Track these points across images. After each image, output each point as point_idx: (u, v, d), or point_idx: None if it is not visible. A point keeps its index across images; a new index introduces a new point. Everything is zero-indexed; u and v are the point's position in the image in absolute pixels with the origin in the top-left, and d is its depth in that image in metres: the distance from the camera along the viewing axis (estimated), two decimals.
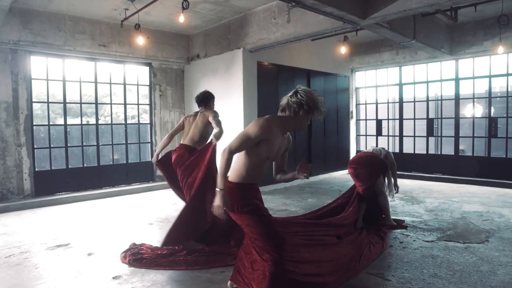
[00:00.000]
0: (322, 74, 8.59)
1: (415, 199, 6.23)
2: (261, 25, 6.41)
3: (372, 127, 9.51)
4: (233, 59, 7.00)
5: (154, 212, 5.69)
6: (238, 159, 2.54)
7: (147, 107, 8.02)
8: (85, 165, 7.07)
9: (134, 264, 3.46)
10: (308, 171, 2.51)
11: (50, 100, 6.68)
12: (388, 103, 9.11)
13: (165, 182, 7.85)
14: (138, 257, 3.57)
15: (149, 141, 7.97)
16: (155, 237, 4.36)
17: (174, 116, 8.19)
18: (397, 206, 5.72)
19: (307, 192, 7.02)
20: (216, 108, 7.59)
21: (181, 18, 5.42)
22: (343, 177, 8.74)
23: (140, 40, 6.05)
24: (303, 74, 8.09)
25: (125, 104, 7.59)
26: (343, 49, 7.26)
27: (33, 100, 6.47)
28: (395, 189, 4.68)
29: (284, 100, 2.52)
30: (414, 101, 8.66)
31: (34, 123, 6.54)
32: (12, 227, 4.96)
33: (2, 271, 3.39)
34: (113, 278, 3.18)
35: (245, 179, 2.51)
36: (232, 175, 2.55)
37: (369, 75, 9.48)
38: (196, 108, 4.45)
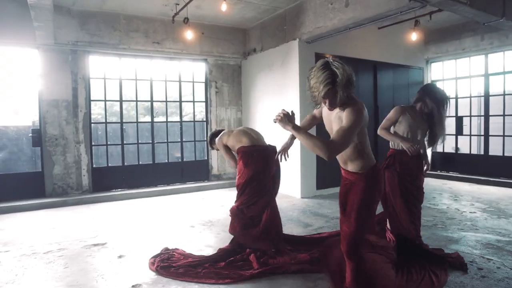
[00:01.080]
0: (391, 66, 7.67)
1: (503, 211, 5.13)
2: (317, 12, 5.82)
3: (451, 125, 8.28)
4: (289, 51, 6.50)
5: (199, 213, 5.44)
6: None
7: (203, 104, 7.88)
8: (140, 162, 7.11)
9: (161, 272, 3.16)
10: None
11: (107, 99, 6.83)
12: (470, 97, 7.83)
13: (220, 182, 7.74)
14: (166, 264, 3.26)
15: (205, 139, 7.82)
16: (193, 241, 4.06)
17: (230, 113, 7.94)
18: (478, 219, 4.73)
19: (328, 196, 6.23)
20: (269, 104, 7.24)
21: (223, 7, 5.09)
22: None
23: (189, 35, 5.85)
24: (368, 67, 7.28)
25: (180, 101, 7.52)
26: (414, 36, 6.32)
27: (91, 98, 6.65)
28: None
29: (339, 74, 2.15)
30: (504, 94, 7.30)
31: (92, 121, 6.74)
32: (62, 222, 5.06)
33: (32, 269, 3.33)
34: (132, 286, 2.91)
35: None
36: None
37: (448, 66, 8.26)
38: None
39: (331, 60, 2.20)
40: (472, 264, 3.21)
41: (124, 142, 6.94)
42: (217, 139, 3.93)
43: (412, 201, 3.43)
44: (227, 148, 3.86)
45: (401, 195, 3.38)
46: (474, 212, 5.08)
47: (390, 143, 3.65)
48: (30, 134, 6.19)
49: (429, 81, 8.54)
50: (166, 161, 7.42)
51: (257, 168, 3.55)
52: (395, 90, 7.76)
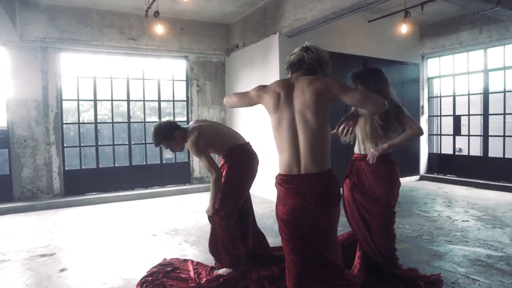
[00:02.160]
0: (383, 62, 7.19)
1: (499, 220, 4.66)
2: (297, 3, 5.41)
3: (448, 125, 7.80)
4: (269, 46, 6.10)
5: (169, 220, 5.06)
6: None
7: (184, 104, 7.52)
8: (116, 165, 6.77)
9: None
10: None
11: (80, 98, 6.50)
12: (469, 95, 7.33)
13: (202, 185, 7.34)
14: None
15: None
16: (148, 253, 3.69)
17: (213, 113, 7.56)
18: (470, 229, 4.27)
19: None
20: None
21: None
22: (409, 185, 7.25)
23: (160, 29, 5.49)
24: (358, 62, 6.83)
25: (159, 100, 7.17)
26: (404, 28, 5.85)
27: (63, 98, 6.33)
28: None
29: (292, 57, 2.15)
30: (504, 92, 6.79)
31: (64, 122, 6.42)
32: (21, 228, 4.73)
33: None
34: None
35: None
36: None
37: (445, 61, 7.77)
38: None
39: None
40: (454, 286, 2.77)
41: (99, 143, 6.61)
42: (193, 137, 2.95)
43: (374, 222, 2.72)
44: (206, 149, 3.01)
45: (358, 213, 2.77)
46: (467, 221, 4.61)
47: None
48: None
49: (425, 78, 8.05)
50: (144, 163, 7.07)
51: (246, 168, 3.08)
52: None
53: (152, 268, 3.18)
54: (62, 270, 3.30)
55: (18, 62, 5.86)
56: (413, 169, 7.85)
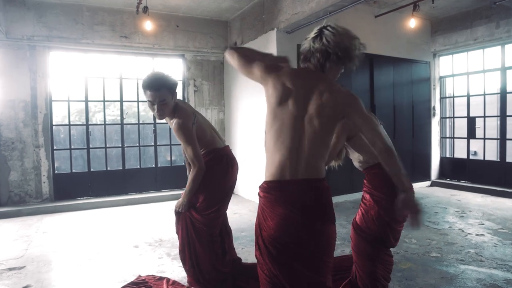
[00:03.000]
0: (391, 61, 6.75)
1: None
2: None
3: (462, 127, 7.29)
4: (267, 44, 5.73)
5: (156, 228, 4.73)
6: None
7: None
8: (108, 168, 6.48)
9: None
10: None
11: (70, 99, 6.23)
12: (484, 95, 6.80)
13: None
14: None
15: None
16: (125, 267, 3.36)
17: (211, 114, 7.21)
18: (485, 245, 3.81)
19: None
20: (248, 104, 6.48)
21: None
22: (419, 191, 6.77)
23: (149, 25, 5.20)
24: (363, 61, 6.39)
25: None
26: (413, 22, 5.41)
27: (53, 99, 6.07)
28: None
29: (305, 45, 1.78)
30: None
31: (54, 123, 6.16)
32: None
33: None
34: None
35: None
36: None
37: (458, 59, 7.25)
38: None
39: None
40: None
41: (90, 146, 6.33)
42: (186, 121, 2.46)
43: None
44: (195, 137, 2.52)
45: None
46: (482, 235, 4.15)
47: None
48: None
49: (437, 77, 7.55)
50: (138, 166, 6.76)
51: (227, 172, 2.72)
52: (396, 88, 6.84)
53: (123, 287, 2.86)
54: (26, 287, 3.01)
55: (4, 61, 5.62)
56: (423, 174, 7.35)
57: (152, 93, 2.40)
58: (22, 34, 5.59)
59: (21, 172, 5.79)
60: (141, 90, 6.46)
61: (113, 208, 5.99)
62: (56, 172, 6.13)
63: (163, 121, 2.63)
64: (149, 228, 4.75)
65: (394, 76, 6.80)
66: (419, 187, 7.10)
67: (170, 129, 7.08)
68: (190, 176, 2.55)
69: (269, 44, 5.66)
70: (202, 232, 2.62)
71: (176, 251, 3.82)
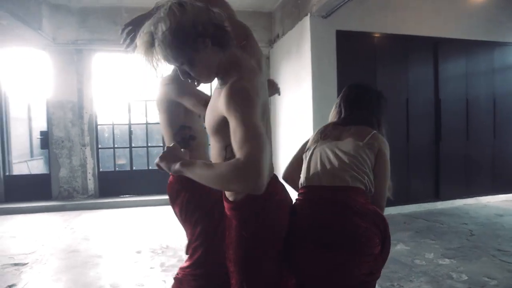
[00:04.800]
0: (463, 45, 5.50)
1: None
2: None
3: None
4: (302, 32, 5.10)
5: (172, 232, 4.52)
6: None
7: None
8: (150, 167, 6.52)
9: None
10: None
11: (114, 99, 6.41)
12: None
13: None
14: None
15: None
16: (102, 278, 3.16)
17: None
18: None
19: (412, 229, 4.41)
20: (287, 99, 5.88)
21: None
22: (498, 205, 5.42)
23: None
24: (425, 45, 5.32)
25: None
26: None
27: (97, 99, 6.31)
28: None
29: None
30: None
31: (98, 123, 6.40)
32: (31, 229, 4.73)
33: None
34: None
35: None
36: None
37: None
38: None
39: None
40: None
41: (133, 145, 6.44)
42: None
43: None
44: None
45: None
46: None
47: None
48: (38, 137, 6.13)
49: None
50: None
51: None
52: (470, 78, 5.56)
53: None
54: (10, 286, 2.99)
55: (55, 65, 6.01)
56: (507, 184, 5.84)
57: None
58: (67, 39, 5.90)
59: (69, 169, 6.13)
60: None
61: (151, 207, 5.99)
62: (100, 170, 6.37)
63: None
64: (165, 232, 4.55)
65: (467, 63, 5.54)
66: (499, 201, 5.68)
67: None
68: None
69: (303, 31, 5.02)
70: None
71: (174, 261, 3.55)
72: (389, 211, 5.08)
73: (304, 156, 1.71)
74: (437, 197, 5.41)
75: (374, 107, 1.74)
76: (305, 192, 1.58)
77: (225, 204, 1.37)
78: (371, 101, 1.75)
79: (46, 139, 6.10)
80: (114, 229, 4.77)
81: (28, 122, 8.75)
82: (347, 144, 1.59)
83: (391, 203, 5.12)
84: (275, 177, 1.38)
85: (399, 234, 4.17)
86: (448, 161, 5.42)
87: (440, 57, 5.37)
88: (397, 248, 3.69)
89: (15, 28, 5.03)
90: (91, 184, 6.23)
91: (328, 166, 1.55)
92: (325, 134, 1.70)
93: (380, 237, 1.46)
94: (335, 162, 1.54)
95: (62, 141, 6.11)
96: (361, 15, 4.88)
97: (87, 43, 5.98)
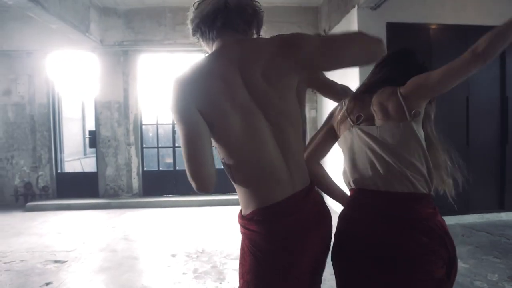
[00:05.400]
0: None
1: None
2: None
3: None
4: (349, 26, 4.75)
5: (212, 235, 4.41)
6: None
7: None
8: None
9: None
10: None
11: (158, 99, 6.48)
12: None
13: None
14: None
15: None
16: (132, 281, 3.11)
17: (307, 113, 6.53)
18: None
19: (472, 243, 3.91)
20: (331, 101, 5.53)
21: None
22: None
23: None
24: None
25: None
26: None
27: (142, 99, 6.41)
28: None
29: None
30: None
31: (143, 122, 6.50)
32: (76, 226, 4.89)
33: None
34: None
35: None
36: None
37: None
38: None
39: None
40: None
41: (176, 145, 6.46)
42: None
43: None
44: None
45: None
46: None
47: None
48: (87, 136, 6.35)
49: None
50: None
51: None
52: None
53: None
54: (47, 284, 3.04)
55: (103, 66, 6.19)
56: None
57: None
58: (113, 41, 6.05)
59: (115, 168, 6.29)
60: None
61: (194, 208, 5.95)
62: (145, 169, 6.46)
63: None
64: (204, 235, 4.46)
65: None
66: None
67: None
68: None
69: (350, 26, 4.68)
70: None
71: (208, 266, 3.42)
72: (445, 221, 4.59)
73: (328, 137, 1.47)
74: (502, 207, 4.79)
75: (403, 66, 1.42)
76: (356, 197, 1.34)
77: None
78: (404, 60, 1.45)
79: (94, 138, 6.30)
80: (153, 229, 4.77)
81: (82, 121, 9.23)
82: (389, 131, 1.27)
83: (447, 212, 4.66)
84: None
85: (456, 248, 3.70)
86: None
87: (507, 49, 4.72)
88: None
89: (64, 32, 5.21)
90: (135, 183, 6.34)
91: (379, 167, 1.26)
92: (354, 112, 1.39)
93: (445, 257, 1.20)
94: (386, 159, 1.25)
95: (109, 140, 6.28)
96: (414, 4, 4.44)
97: (132, 44, 6.09)
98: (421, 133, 1.27)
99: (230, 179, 1.14)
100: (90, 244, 4.16)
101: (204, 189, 1.08)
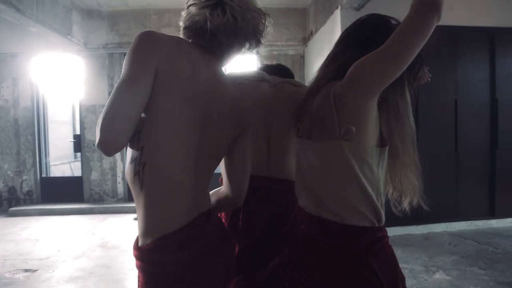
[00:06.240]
0: None
1: None
2: None
3: None
4: (333, 27, 4.63)
5: None
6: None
7: None
8: None
9: None
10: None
11: None
12: None
13: None
14: None
15: None
16: None
17: None
18: None
19: (458, 252, 3.76)
20: None
21: None
22: None
23: None
24: (478, 38, 4.59)
25: None
26: None
27: None
28: None
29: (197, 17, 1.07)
30: None
31: None
32: (55, 232, 4.78)
33: None
34: None
35: None
36: None
37: None
38: None
39: None
40: None
41: None
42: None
43: None
44: None
45: None
46: None
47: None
48: (72, 140, 6.26)
49: None
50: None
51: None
52: None
53: None
54: None
55: (88, 69, 6.10)
56: None
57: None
58: (98, 43, 5.95)
59: (100, 172, 6.19)
60: None
61: None
62: None
63: None
64: None
65: None
66: None
67: None
68: None
69: (335, 27, 4.56)
70: None
71: None
72: (432, 228, 4.46)
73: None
74: (492, 213, 4.65)
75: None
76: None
77: None
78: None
79: (79, 143, 6.21)
80: (134, 236, 4.64)
81: (72, 124, 9.15)
82: (312, 151, 1.08)
83: (435, 219, 4.52)
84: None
85: (440, 258, 3.57)
86: (507, 172, 4.63)
87: (497, 51, 4.61)
88: (435, 278, 3.13)
89: (45, 35, 5.12)
90: (120, 187, 6.24)
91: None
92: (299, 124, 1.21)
93: None
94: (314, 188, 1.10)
95: (94, 144, 6.17)
96: (398, 5, 4.31)
97: (117, 47, 5.99)
98: (360, 156, 0.98)
99: (136, 188, 0.99)
100: (66, 251, 4.05)
101: (110, 147, 0.92)
